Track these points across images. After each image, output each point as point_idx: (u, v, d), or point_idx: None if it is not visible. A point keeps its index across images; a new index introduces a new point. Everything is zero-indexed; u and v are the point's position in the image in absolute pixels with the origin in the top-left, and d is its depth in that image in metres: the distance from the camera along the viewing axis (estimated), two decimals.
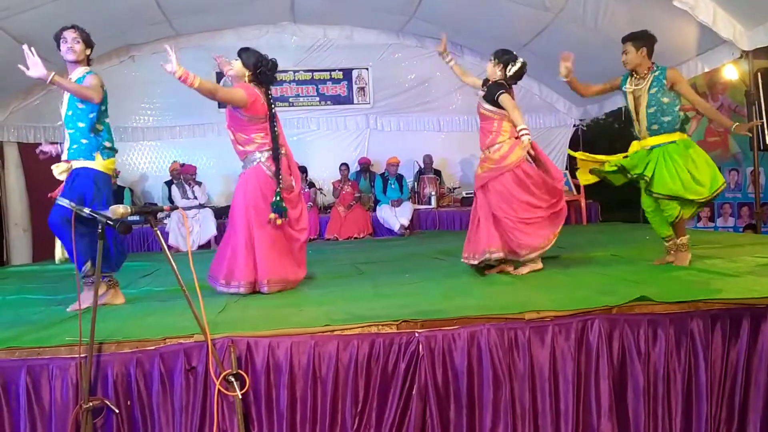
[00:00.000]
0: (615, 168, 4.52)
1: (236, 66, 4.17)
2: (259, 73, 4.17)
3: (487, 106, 4.51)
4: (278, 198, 4.09)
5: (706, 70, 6.99)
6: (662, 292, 3.17)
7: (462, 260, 4.61)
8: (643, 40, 4.33)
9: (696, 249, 4.58)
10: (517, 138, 4.44)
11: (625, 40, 4.37)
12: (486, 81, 4.66)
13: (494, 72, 4.56)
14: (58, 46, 3.78)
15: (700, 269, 4.03)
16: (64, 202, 3.64)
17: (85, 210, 2.84)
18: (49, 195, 3.88)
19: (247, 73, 4.16)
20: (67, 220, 3.46)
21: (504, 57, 4.54)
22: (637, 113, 4.39)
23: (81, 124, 3.72)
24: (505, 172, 4.40)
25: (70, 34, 3.74)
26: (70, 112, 3.75)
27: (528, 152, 4.39)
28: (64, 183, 3.78)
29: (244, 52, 4.19)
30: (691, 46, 6.91)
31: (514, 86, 4.62)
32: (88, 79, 3.70)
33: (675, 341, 2.92)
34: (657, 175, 4.24)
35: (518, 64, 4.54)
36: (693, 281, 3.61)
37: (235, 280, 4.05)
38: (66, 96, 3.77)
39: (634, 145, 4.50)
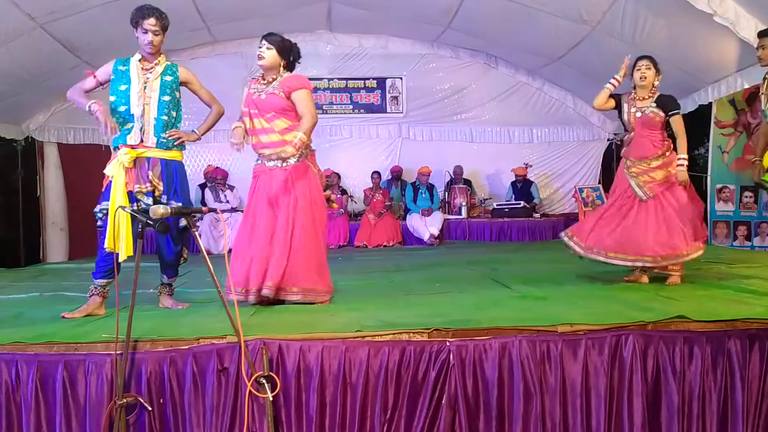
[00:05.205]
0: None
1: (269, 55, 3.71)
2: (293, 61, 3.84)
3: (661, 113, 4.28)
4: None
5: (746, 86, 6.87)
6: (699, 310, 3.12)
7: (588, 254, 4.37)
8: None
9: (733, 268, 4.51)
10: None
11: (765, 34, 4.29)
12: (616, 95, 4.43)
13: (655, 79, 4.32)
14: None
15: (738, 288, 3.95)
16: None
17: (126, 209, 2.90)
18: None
19: (282, 62, 3.76)
20: None
21: (657, 63, 4.33)
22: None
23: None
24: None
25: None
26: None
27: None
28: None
29: (275, 37, 3.73)
30: (731, 61, 6.80)
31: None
32: None
33: (711, 360, 2.86)
34: None
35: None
36: (731, 300, 3.54)
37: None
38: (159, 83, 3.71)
39: None
